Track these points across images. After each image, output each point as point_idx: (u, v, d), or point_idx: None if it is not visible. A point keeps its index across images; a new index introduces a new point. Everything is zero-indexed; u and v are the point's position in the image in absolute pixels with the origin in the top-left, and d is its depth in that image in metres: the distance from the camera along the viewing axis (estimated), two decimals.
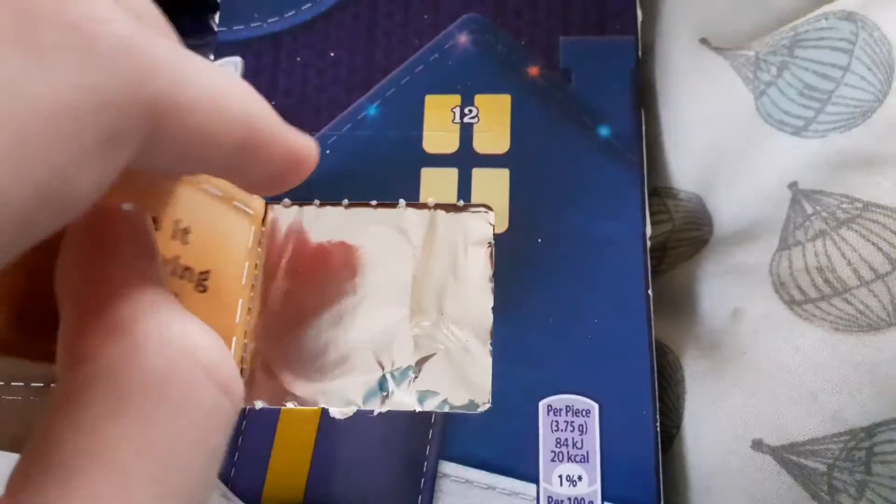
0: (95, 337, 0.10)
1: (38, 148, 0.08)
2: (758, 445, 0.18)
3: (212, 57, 0.24)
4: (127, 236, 0.12)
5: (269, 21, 0.24)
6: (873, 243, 0.18)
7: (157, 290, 0.11)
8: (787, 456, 0.18)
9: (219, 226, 0.17)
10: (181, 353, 0.10)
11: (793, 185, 0.20)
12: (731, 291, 0.21)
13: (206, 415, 0.10)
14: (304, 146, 0.13)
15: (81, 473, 0.09)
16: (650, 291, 0.20)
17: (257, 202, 0.21)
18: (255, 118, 0.11)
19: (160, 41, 0.09)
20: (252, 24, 0.24)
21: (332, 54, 0.23)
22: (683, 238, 0.24)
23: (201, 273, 0.16)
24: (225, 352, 0.11)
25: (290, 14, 0.24)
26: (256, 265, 0.20)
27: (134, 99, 0.09)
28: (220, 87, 0.10)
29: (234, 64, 0.24)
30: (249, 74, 0.23)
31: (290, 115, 0.22)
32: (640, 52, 0.23)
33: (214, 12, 0.29)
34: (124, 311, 0.10)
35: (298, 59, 0.23)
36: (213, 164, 0.11)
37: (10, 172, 0.08)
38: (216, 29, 0.29)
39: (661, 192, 0.24)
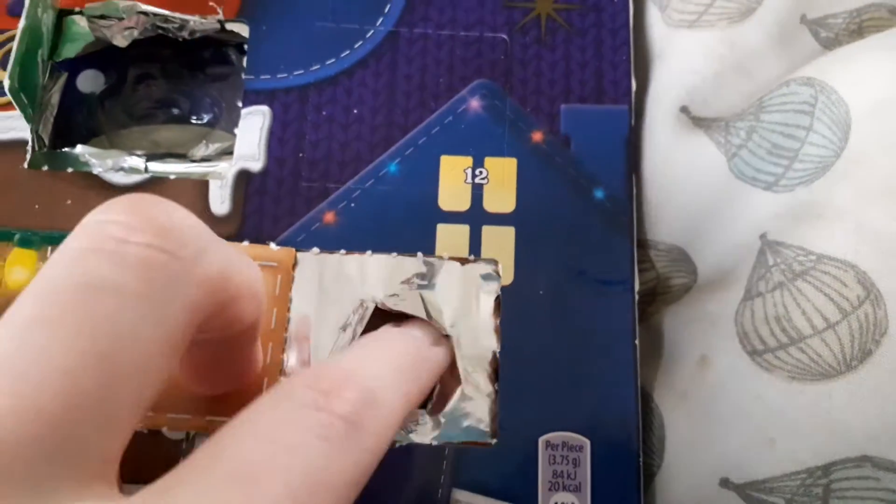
0: None
1: None
2: (725, 483, 0.21)
3: (240, 104, 0.26)
4: None
5: (295, 73, 0.26)
6: (825, 294, 0.20)
7: None
8: (750, 492, 0.21)
9: None
10: None
11: (763, 237, 0.23)
12: (699, 339, 0.23)
13: None
14: None
15: None
16: (637, 342, 0.23)
17: (282, 253, 0.23)
18: None
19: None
20: (278, 76, 0.26)
21: (355, 111, 0.26)
22: (669, 284, 0.26)
23: None
24: None
25: (315, 68, 0.26)
26: (289, 308, 0.23)
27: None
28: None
29: (262, 113, 0.26)
30: (278, 125, 0.26)
31: (320, 166, 0.25)
32: (633, 121, 0.26)
33: (237, 49, 0.31)
34: None
35: (324, 113, 0.26)
36: None
37: None
38: (236, 65, 0.31)
39: (643, 244, 0.27)
